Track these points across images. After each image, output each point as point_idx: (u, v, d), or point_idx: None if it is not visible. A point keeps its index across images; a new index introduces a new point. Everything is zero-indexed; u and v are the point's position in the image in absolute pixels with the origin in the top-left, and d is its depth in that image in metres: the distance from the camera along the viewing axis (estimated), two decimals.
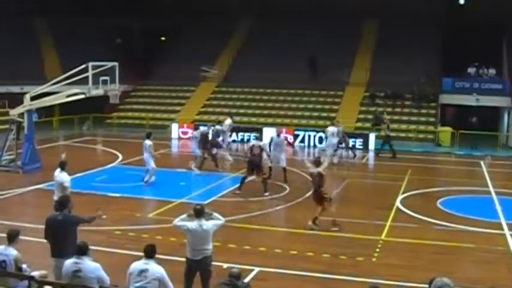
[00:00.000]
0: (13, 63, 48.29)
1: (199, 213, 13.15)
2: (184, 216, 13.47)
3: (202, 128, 31.49)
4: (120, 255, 13.83)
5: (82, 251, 11.33)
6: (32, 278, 11.37)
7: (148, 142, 26.89)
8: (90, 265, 11.21)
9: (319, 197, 20.97)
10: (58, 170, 19.00)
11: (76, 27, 55.05)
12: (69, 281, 11.13)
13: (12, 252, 11.99)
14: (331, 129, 34.77)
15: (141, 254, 11.40)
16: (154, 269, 11.18)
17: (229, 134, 36.76)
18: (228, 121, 36.04)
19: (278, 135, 28.82)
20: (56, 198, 18.34)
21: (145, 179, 26.94)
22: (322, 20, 54.06)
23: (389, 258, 17.82)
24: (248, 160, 26.23)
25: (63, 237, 12.91)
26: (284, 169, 28.19)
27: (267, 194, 25.30)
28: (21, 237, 12.50)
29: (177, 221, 13.37)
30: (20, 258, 12.02)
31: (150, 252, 11.38)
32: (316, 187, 20.95)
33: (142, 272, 11.12)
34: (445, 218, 22.36)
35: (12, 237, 12.22)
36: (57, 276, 12.27)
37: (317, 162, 21.48)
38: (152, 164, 26.96)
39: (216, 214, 13.55)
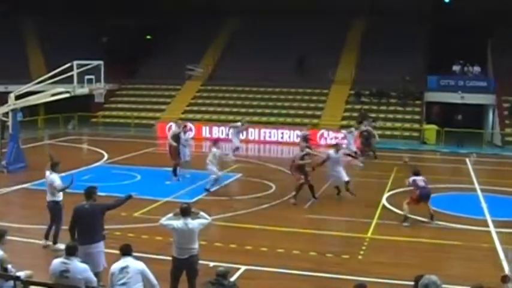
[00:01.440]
0: None
1: (185, 212, 13.16)
2: (170, 215, 13.50)
3: (174, 128, 29.96)
4: (106, 254, 13.78)
5: (71, 251, 11.33)
6: (17, 278, 11.33)
7: (215, 150, 25.79)
8: (78, 266, 11.22)
9: None
10: (49, 170, 19.05)
11: (61, 26, 54.86)
12: (56, 281, 11.12)
13: None
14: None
15: None
16: (134, 263, 11.33)
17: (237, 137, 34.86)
18: (237, 124, 35.48)
19: (337, 151, 25.74)
20: (48, 198, 18.30)
21: (207, 186, 25.70)
22: (308, 18, 54.19)
23: (376, 256, 17.87)
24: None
25: (91, 225, 13.59)
26: (347, 182, 25.73)
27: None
28: (6, 237, 12.48)
29: (164, 220, 13.39)
30: (5, 259, 11.98)
31: (126, 250, 11.54)
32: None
33: (123, 269, 11.21)
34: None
35: None
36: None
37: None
38: (217, 172, 25.66)
39: (202, 213, 13.57)
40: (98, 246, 13.47)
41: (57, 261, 11.26)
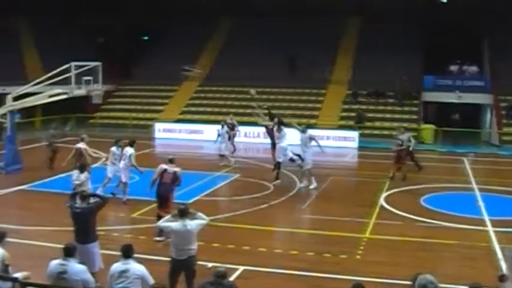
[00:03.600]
0: None
1: (183, 213, 13.18)
2: (168, 216, 13.54)
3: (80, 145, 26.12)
4: (103, 255, 13.79)
5: (69, 252, 11.30)
6: (15, 279, 11.32)
7: (130, 150, 24.01)
8: (76, 267, 11.16)
9: None
10: (77, 172, 19.63)
11: (57, 27, 54.84)
12: (54, 282, 11.07)
13: None
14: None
15: None
16: (135, 268, 11.17)
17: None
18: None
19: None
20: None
21: (120, 195, 23.90)
22: (304, 18, 54.16)
23: (373, 256, 17.86)
24: None
25: (83, 226, 13.76)
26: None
27: None
28: (6, 238, 12.50)
29: (162, 222, 13.47)
30: (8, 256, 11.99)
31: (128, 252, 11.39)
32: None
33: (123, 272, 11.09)
34: (428, 215, 22.45)
35: None
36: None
37: None
38: (126, 178, 24.03)
39: (200, 214, 13.57)
40: (92, 247, 13.54)
41: (54, 263, 11.22)
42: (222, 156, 33.28)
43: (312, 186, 26.73)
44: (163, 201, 18.94)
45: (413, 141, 31.31)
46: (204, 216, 13.57)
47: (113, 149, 24.50)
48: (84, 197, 14.28)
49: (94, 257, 13.51)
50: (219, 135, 34.13)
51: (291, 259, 17.39)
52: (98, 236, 13.98)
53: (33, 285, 11.23)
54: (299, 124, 29.76)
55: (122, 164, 23.92)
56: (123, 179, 23.89)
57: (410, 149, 30.89)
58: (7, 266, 11.96)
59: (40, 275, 11.70)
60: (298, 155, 27.33)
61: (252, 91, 34.20)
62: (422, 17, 53.32)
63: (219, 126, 34.56)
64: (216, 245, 18.23)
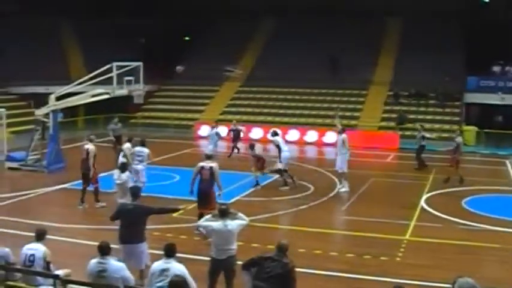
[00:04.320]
0: (38, 64, 48.70)
1: (224, 213, 13.22)
2: (209, 216, 13.61)
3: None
4: None
5: (105, 250, 11.43)
6: (56, 276, 11.48)
7: (146, 150, 24.55)
8: (115, 265, 11.31)
9: None
10: (118, 171, 19.90)
11: (100, 27, 55.35)
12: (94, 281, 11.22)
13: (41, 248, 12.23)
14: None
15: None
16: (176, 267, 11.23)
17: None
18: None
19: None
20: (120, 200, 18.73)
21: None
22: (345, 19, 54.03)
23: (414, 258, 17.75)
24: None
25: (132, 225, 13.72)
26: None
27: None
28: (46, 236, 12.71)
29: (202, 222, 13.52)
30: (49, 253, 12.22)
31: (170, 251, 11.49)
32: None
33: (163, 271, 11.19)
34: (469, 217, 22.23)
35: (40, 236, 12.55)
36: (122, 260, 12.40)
37: None
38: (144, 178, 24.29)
39: (240, 214, 13.59)
40: (140, 247, 13.64)
41: (93, 262, 11.36)
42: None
43: (343, 190, 26.54)
44: (205, 198, 19.18)
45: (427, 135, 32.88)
46: (245, 217, 13.60)
47: (138, 148, 24.45)
48: (135, 193, 14.36)
49: (142, 255, 13.62)
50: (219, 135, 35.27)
51: (331, 260, 17.37)
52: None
53: (74, 283, 11.37)
54: (341, 124, 29.54)
55: (141, 165, 24.11)
56: (143, 179, 24.15)
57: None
58: (48, 263, 12.17)
59: (81, 273, 11.84)
60: None
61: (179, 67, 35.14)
62: (464, 17, 52.86)
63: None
64: (255, 245, 18.23)
